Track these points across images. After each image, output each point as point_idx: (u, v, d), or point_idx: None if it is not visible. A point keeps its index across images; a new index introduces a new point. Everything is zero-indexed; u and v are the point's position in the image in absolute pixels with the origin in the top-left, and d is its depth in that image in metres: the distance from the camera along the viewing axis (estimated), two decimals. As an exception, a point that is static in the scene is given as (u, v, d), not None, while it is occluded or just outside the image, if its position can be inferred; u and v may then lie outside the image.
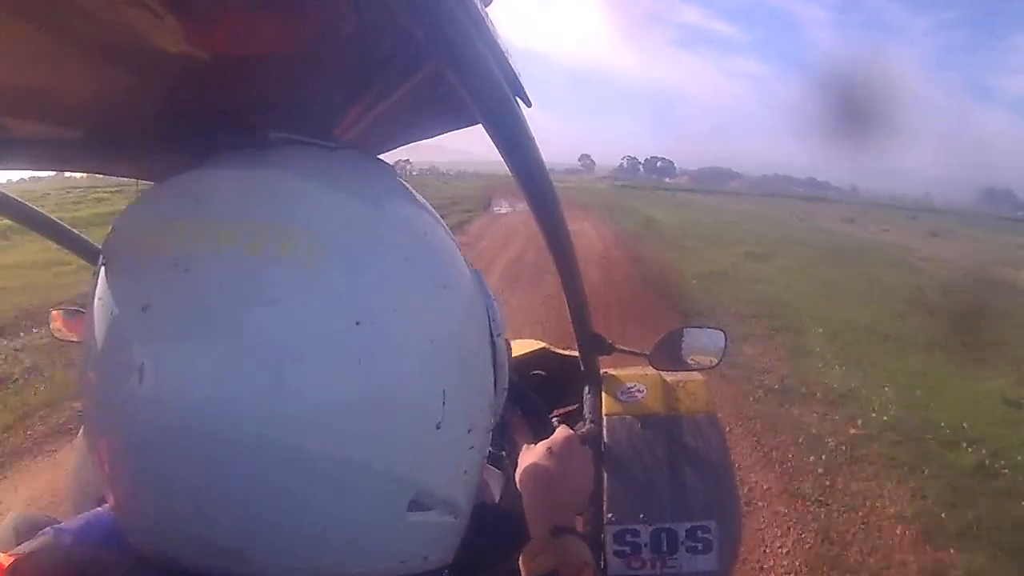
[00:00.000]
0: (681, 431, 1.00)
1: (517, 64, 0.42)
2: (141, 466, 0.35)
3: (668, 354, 1.09)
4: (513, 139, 0.46)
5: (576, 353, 1.08)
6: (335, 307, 0.34)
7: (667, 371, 1.11)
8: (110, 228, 0.43)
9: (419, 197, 0.45)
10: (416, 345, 0.36)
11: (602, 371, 1.10)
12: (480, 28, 0.36)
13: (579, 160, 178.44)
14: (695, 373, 1.13)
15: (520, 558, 0.56)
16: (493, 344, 0.44)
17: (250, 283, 0.33)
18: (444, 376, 0.37)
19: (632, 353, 1.10)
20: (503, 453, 0.83)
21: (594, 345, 1.04)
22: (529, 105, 0.45)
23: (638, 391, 1.06)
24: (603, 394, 1.06)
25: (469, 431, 0.40)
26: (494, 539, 0.73)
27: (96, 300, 0.38)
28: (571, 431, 0.71)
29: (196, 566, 0.35)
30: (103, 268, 0.39)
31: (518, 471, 0.67)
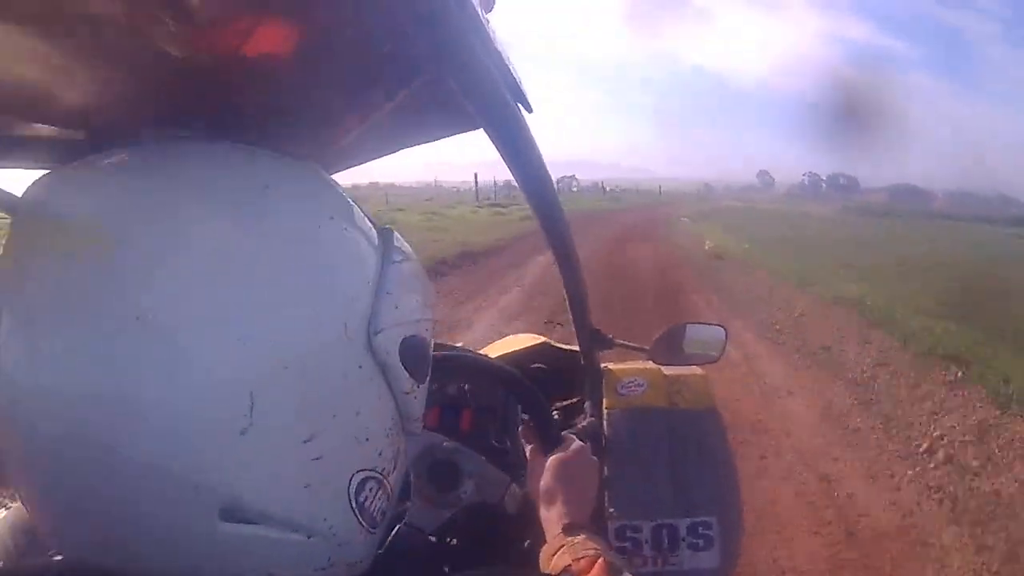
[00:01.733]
0: (682, 425, 1.01)
1: (517, 70, 0.41)
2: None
3: (669, 349, 1.10)
4: (514, 144, 0.46)
5: (576, 348, 1.09)
6: (121, 304, 0.33)
7: (668, 365, 1.11)
8: None
9: (312, 191, 0.43)
10: (217, 346, 0.34)
11: (603, 365, 1.10)
12: (480, 35, 0.36)
13: (757, 176, 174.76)
14: (695, 367, 1.13)
15: (539, 559, 0.58)
16: (370, 343, 0.40)
17: (51, 283, 0.34)
18: (251, 377, 0.34)
19: (633, 348, 1.11)
20: (507, 443, 0.84)
21: (594, 339, 1.05)
22: (530, 111, 0.45)
23: (638, 385, 1.06)
24: (604, 388, 1.06)
25: (308, 441, 0.36)
26: (493, 539, 0.75)
27: None
28: (581, 443, 0.72)
29: (85, 561, 0.36)
30: None
31: (531, 480, 0.69)
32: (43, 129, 0.50)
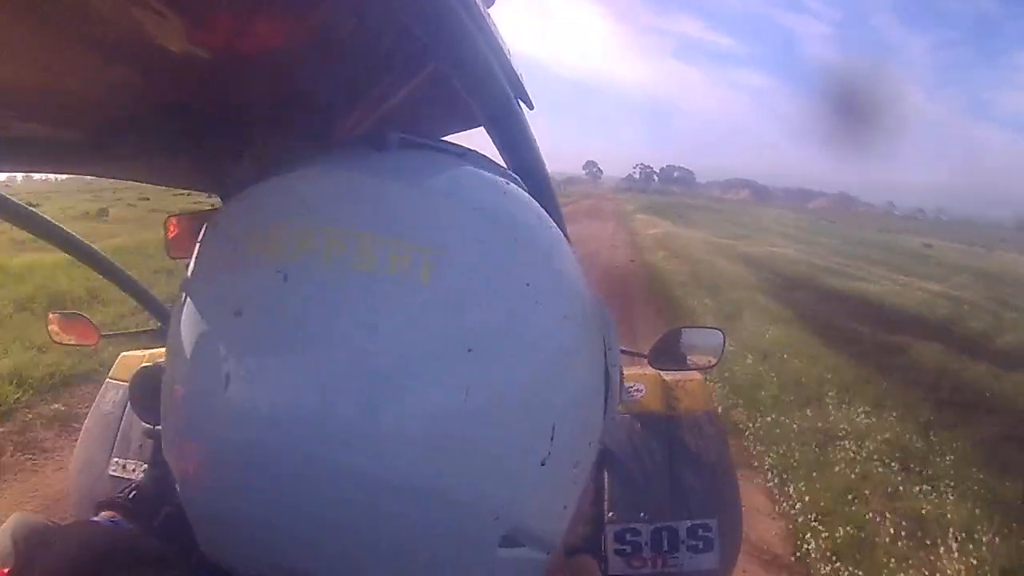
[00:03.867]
0: (680, 429, 1.01)
1: (519, 66, 0.42)
2: (217, 474, 0.34)
3: (666, 354, 1.10)
4: (514, 141, 0.46)
5: None
6: (446, 331, 0.31)
7: (665, 370, 1.11)
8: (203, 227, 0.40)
9: (543, 213, 0.42)
10: (529, 378, 0.34)
11: None
12: (482, 28, 0.36)
13: (583, 168, 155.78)
14: (693, 372, 1.13)
15: None
16: (607, 375, 0.41)
17: (354, 296, 0.31)
18: (555, 411, 0.35)
19: (630, 353, 1.11)
20: None
21: None
22: (531, 107, 0.45)
23: (637, 390, 1.06)
24: None
25: (575, 466, 0.37)
26: None
27: (185, 302, 0.36)
28: None
29: None
30: (194, 269, 0.38)
31: None
32: (40, 129, 0.50)
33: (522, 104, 0.44)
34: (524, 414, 0.33)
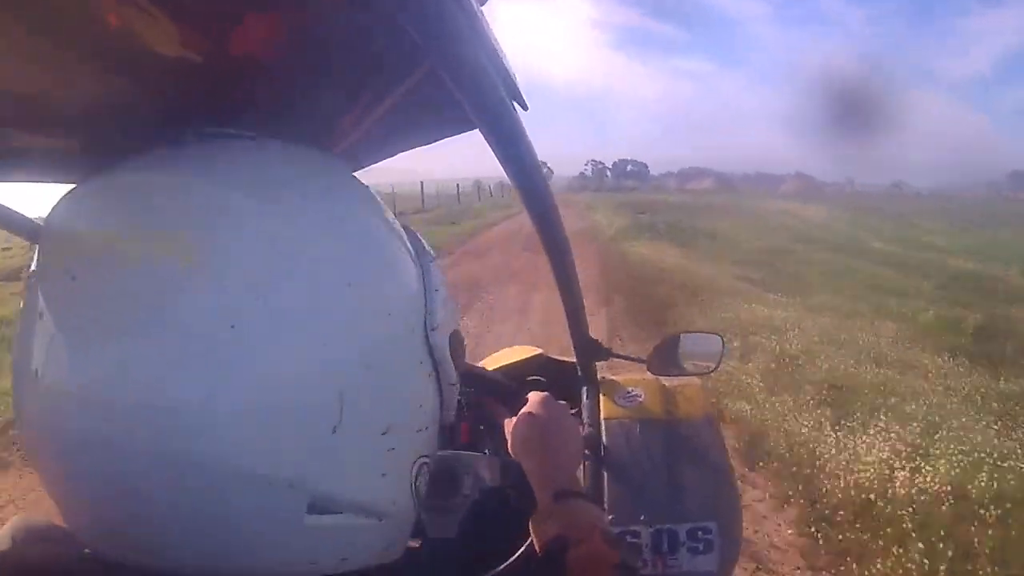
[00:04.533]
0: (679, 434, 1.01)
1: (513, 67, 0.42)
2: (45, 464, 0.37)
3: (665, 359, 1.10)
4: (509, 143, 0.46)
5: (573, 360, 1.09)
6: (209, 312, 0.33)
7: (664, 376, 1.11)
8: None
9: (356, 187, 0.44)
10: (304, 347, 0.35)
11: (600, 376, 1.10)
12: (475, 27, 0.36)
13: None
14: (692, 378, 1.13)
15: (531, 526, 0.57)
16: (428, 340, 0.43)
17: (125, 292, 0.33)
18: (341, 378, 0.36)
19: (629, 359, 1.11)
20: (500, 456, 0.83)
21: (591, 351, 1.05)
22: (526, 109, 0.45)
23: (636, 395, 1.06)
24: (601, 398, 1.06)
25: (385, 433, 0.39)
26: (497, 521, 0.74)
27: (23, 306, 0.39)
28: (544, 393, 0.72)
29: (133, 562, 0.36)
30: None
31: (510, 443, 0.69)
32: (36, 140, 0.49)
33: (516, 105, 0.44)
34: (305, 383, 0.34)
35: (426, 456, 0.44)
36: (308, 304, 0.35)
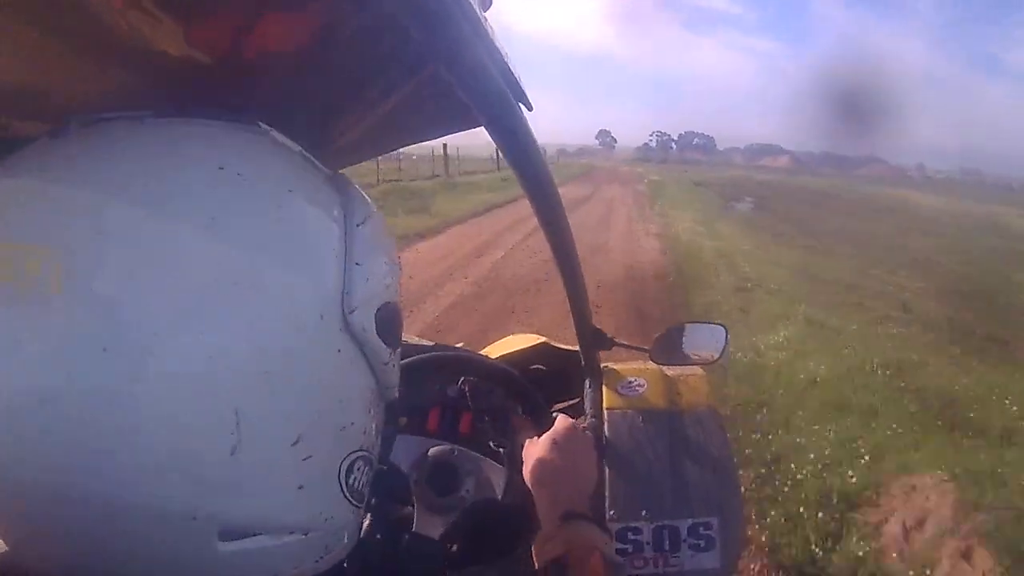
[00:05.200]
0: (682, 425, 1.00)
1: (517, 68, 0.42)
2: None
3: (669, 349, 1.10)
4: (514, 142, 0.46)
5: (576, 348, 1.09)
6: (81, 338, 0.30)
7: (668, 366, 1.11)
8: None
9: (258, 161, 0.39)
10: (186, 364, 0.31)
11: (603, 365, 1.10)
12: (479, 32, 0.36)
13: (596, 137, 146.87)
14: (696, 367, 1.13)
15: (532, 547, 0.57)
16: (346, 323, 0.38)
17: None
18: (233, 394, 0.33)
19: (633, 348, 1.10)
20: (501, 450, 0.84)
21: (594, 340, 1.05)
22: (530, 109, 0.45)
23: (639, 385, 1.06)
24: (604, 388, 1.06)
25: (296, 443, 0.35)
26: (498, 533, 0.75)
27: None
28: (571, 420, 0.72)
29: None
30: None
31: (525, 465, 0.68)
32: (43, 129, 0.49)
33: (522, 106, 0.44)
34: (192, 405, 0.31)
35: (358, 450, 0.41)
36: (187, 315, 0.32)
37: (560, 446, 0.66)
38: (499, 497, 0.77)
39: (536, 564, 0.56)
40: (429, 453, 0.76)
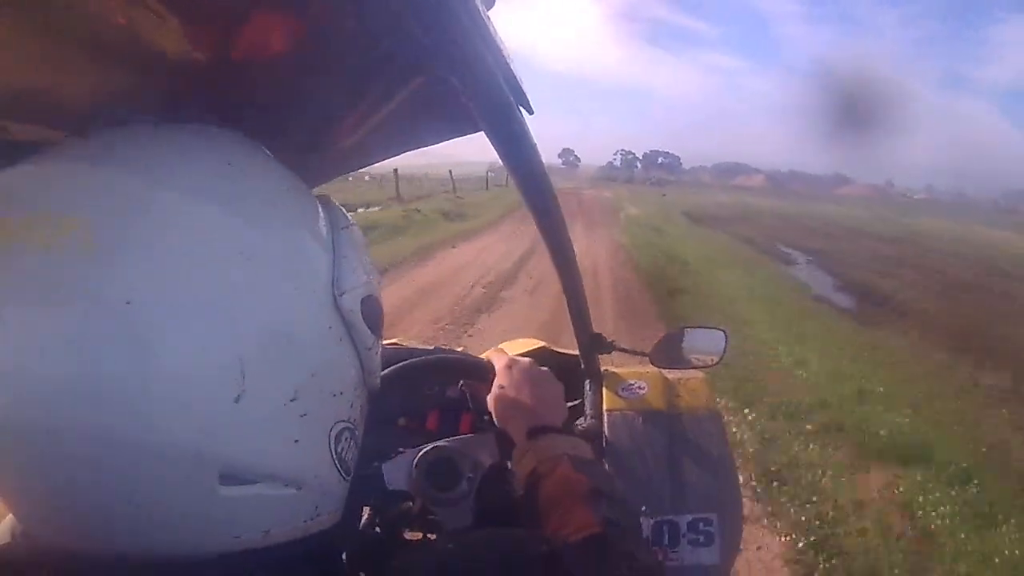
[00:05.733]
0: (682, 427, 1.01)
1: (519, 71, 0.41)
2: None
3: (668, 353, 1.10)
4: (514, 147, 0.46)
5: (576, 352, 1.09)
6: (104, 289, 0.33)
7: (667, 369, 1.11)
8: None
9: (261, 166, 0.44)
10: (201, 319, 0.35)
11: (603, 369, 1.10)
12: (482, 31, 0.36)
13: (559, 156, 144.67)
14: (696, 371, 1.13)
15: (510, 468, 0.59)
16: (336, 304, 0.42)
17: (24, 273, 0.34)
18: (240, 347, 0.36)
19: (632, 352, 1.11)
20: (485, 419, 0.84)
21: (594, 344, 1.05)
22: (531, 112, 0.45)
23: (639, 388, 1.06)
24: (604, 391, 1.06)
25: (293, 399, 0.39)
26: (494, 497, 0.75)
27: None
28: (505, 356, 0.75)
29: (68, 546, 0.36)
30: None
31: (493, 414, 0.70)
32: (44, 132, 0.50)
33: (522, 109, 0.44)
34: (204, 354, 0.35)
35: (346, 421, 0.44)
36: (204, 277, 0.36)
37: (511, 374, 0.70)
38: (498, 460, 0.78)
39: (517, 483, 0.58)
40: (424, 450, 0.76)
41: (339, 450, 0.43)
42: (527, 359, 0.74)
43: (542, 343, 1.29)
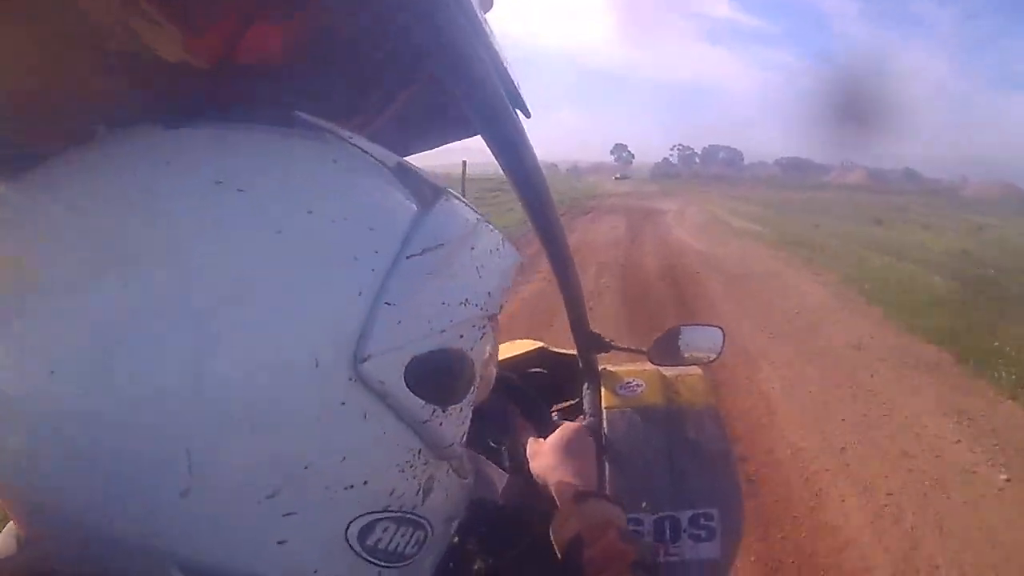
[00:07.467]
0: (681, 423, 1.01)
1: (517, 75, 0.42)
2: None
3: (666, 351, 1.10)
4: (511, 149, 0.47)
5: (574, 352, 1.09)
6: (34, 358, 0.30)
7: (665, 366, 1.12)
8: None
9: (277, 178, 0.36)
10: (136, 393, 0.29)
11: (601, 368, 1.11)
12: (479, 35, 0.36)
13: (611, 152, 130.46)
14: (694, 368, 1.14)
15: (550, 529, 0.59)
16: (357, 373, 0.33)
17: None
18: (188, 436, 0.30)
19: (630, 351, 1.11)
20: (502, 447, 0.84)
21: (592, 343, 1.05)
22: (528, 116, 0.45)
23: (637, 385, 1.07)
24: (602, 389, 1.07)
25: (271, 496, 0.32)
26: (497, 533, 0.75)
27: None
28: (576, 424, 0.76)
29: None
30: None
31: (533, 460, 0.72)
32: (34, 140, 0.49)
33: (519, 112, 0.44)
34: (144, 441, 0.30)
35: (378, 513, 0.36)
36: (158, 347, 0.29)
37: (571, 445, 0.72)
38: (498, 493, 0.78)
39: (556, 546, 0.57)
40: None
41: (371, 543, 0.36)
42: (588, 433, 0.76)
43: (540, 343, 1.30)
